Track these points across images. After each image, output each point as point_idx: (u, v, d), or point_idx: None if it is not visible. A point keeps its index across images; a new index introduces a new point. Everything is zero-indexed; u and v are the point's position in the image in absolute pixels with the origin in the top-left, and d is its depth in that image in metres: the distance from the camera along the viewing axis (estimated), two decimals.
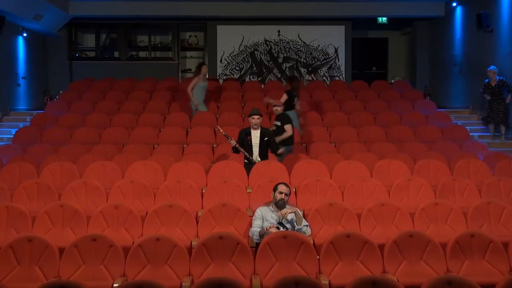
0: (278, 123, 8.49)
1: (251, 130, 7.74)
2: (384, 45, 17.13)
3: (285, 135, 8.34)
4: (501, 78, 11.13)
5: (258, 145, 7.73)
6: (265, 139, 7.75)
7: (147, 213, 6.20)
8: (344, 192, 7.03)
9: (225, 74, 15.41)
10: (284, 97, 9.80)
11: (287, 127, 8.35)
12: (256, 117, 7.71)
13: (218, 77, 15.22)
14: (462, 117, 12.50)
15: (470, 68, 12.99)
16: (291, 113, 9.34)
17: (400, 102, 12.20)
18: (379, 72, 17.04)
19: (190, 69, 16.30)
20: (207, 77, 11.08)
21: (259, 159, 7.76)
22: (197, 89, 10.87)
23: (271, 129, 8.38)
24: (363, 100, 12.26)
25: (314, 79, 15.41)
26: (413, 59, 16.11)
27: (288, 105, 9.61)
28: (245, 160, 7.82)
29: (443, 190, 7.17)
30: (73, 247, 5.06)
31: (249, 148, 7.71)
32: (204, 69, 11.02)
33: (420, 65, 15.74)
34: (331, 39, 15.51)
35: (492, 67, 11.26)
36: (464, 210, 6.37)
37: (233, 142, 7.63)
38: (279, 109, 8.57)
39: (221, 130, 7.98)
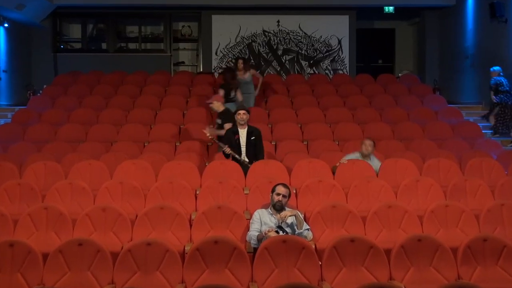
0: (219, 121, 8.59)
1: (239, 129, 7.71)
2: (390, 36, 17.15)
3: (221, 133, 8.26)
4: (498, 79, 11.13)
5: (245, 144, 7.71)
6: (252, 138, 7.71)
7: (137, 216, 6.19)
8: (348, 194, 7.04)
9: (221, 67, 15.40)
10: (221, 92, 10.01)
11: (226, 125, 8.30)
12: (242, 112, 7.66)
13: (213, 71, 15.22)
14: (474, 113, 12.52)
15: (482, 61, 13.00)
16: (231, 106, 9.44)
17: (408, 97, 12.21)
18: (385, 65, 17.06)
19: (183, 62, 16.31)
20: (250, 73, 11.09)
21: (246, 159, 7.75)
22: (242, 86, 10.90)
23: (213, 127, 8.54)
24: (368, 95, 12.27)
25: (316, 72, 15.43)
26: (421, 51, 16.12)
27: (226, 98, 9.86)
28: (233, 160, 7.82)
29: (454, 191, 7.18)
30: (57, 253, 5.05)
31: (237, 148, 7.70)
32: (240, 63, 11.02)
33: (429, 57, 15.75)
34: (334, 30, 15.51)
35: (495, 68, 11.28)
36: (476, 212, 6.38)
37: (227, 150, 7.61)
38: (214, 106, 8.69)
39: (208, 135, 7.85)
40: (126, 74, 13.73)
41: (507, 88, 11.19)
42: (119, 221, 6.04)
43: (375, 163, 8.09)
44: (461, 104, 13.21)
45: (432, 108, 11.53)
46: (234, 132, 7.72)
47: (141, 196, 6.98)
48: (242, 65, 11.02)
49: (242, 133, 7.71)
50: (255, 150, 7.76)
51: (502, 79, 11.22)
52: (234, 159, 7.76)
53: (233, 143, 7.69)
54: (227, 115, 8.47)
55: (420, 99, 12.17)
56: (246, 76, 11.01)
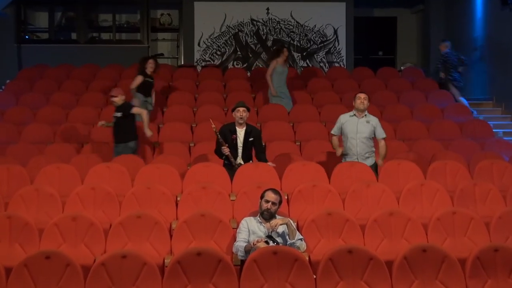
0: (118, 114, 8.80)
1: (237, 128, 7.73)
2: (392, 25, 17.21)
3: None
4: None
5: (242, 145, 7.74)
6: (250, 139, 7.74)
7: (111, 226, 6.18)
8: (345, 200, 7.06)
9: (204, 60, 15.39)
10: (138, 79, 10.14)
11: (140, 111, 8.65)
12: (241, 109, 7.70)
13: (195, 64, 15.21)
14: (485, 111, 12.59)
15: (493, 52, 13.08)
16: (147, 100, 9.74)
17: (411, 93, 12.27)
18: (386, 57, 17.11)
19: (162, 54, 16.27)
20: (287, 63, 11.16)
21: (241, 162, 7.78)
22: (274, 77, 10.95)
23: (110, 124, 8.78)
24: (367, 91, 12.16)
25: (310, 65, 15.44)
26: (426, 42, 16.18)
27: (144, 90, 10.15)
28: (225, 161, 7.84)
29: (462, 196, 7.22)
30: (22, 267, 5.02)
31: (233, 150, 7.71)
32: (286, 52, 11.07)
33: (434, 49, 15.76)
34: (330, 19, 15.55)
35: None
36: (487, 220, 6.42)
37: (226, 150, 7.60)
38: (116, 100, 8.85)
39: (216, 130, 7.67)
40: (99, 67, 13.70)
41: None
42: (91, 231, 6.02)
43: (373, 120, 8.14)
44: (470, 100, 13.25)
45: (438, 105, 11.59)
46: (231, 131, 7.72)
47: (116, 203, 6.96)
48: (287, 55, 11.08)
49: (240, 132, 7.72)
50: (255, 152, 7.83)
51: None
52: (227, 161, 7.77)
53: (229, 143, 7.69)
54: (128, 108, 8.78)
55: (424, 95, 12.23)
56: (286, 68, 11.10)
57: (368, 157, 8.09)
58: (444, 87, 12.49)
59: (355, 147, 8.06)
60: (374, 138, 8.19)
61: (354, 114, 8.19)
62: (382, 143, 8.14)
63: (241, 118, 7.69)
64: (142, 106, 9.80)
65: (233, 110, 7.79)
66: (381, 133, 8.14)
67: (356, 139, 8.05)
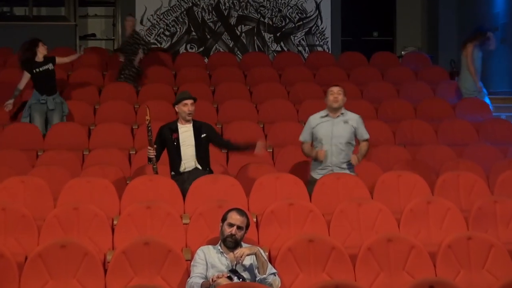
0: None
1: (179, 125, 7.79)
2: None
3: None
4: None
5: (193, 145, 7.77)
6: (203, 135, 7.79)
7: (26, 258, 6.11)
8: (330, 222, 7.06)
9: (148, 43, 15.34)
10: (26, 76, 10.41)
11: None
12: (189, 102, 7.75)
13: None
14: (507, 108, 12.71)
15: None
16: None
17: (415, 85, 12.36)
18: (382, 39, 17.19)
19: (94, 35, 16.17)
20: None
21: (198, 166, 7.80)
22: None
23: None
24: (358, 82, 12.37)
25: (285, 49, 15.48)
26: (433, 20, 16.30)
27: (40, 85, 10.34)
28: (172, 172, 7.88)
29: (480, 217, 7.25)
30: None
31: (176, 153, 7.74)
32: (491, 38, 11.50)
33: (443, 29, 15.93)
34: None
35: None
36: (510, 247, 6.47)
37: (152, 152, 7.68)
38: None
39: (149, 123, 7.78)
40: (11, 51, 13.56)
41: None
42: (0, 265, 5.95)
43: (352, 119, 8.09)
44: (488, 94, 13.37)
45: (449, 100, 11.69)
46: (171, 129, 7.76)
47: (33, 228, 6.88)
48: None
49: (187, 130, 7.79)
50: (221, 145, 8.02)
51: None
52: (174, 171, 7.86)
53: (169, 145, 7.74)
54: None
55: (431, 88, 12.32)
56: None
57: (346, 168, 8.07)
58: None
59: (329, 156, 8.01)
60: (356, 143, 8.17)
61: (327, 114, 8.13)
62: (363, 143, 8.14)
63: (190, 113, 7.73)
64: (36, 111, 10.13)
65: (176, 104, 7.83)
66: (363, 134, 8.11)
67: (331, 146, 8.00)
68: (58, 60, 10.63)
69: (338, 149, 7.99)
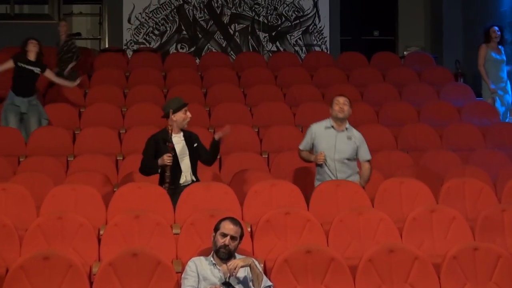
0: None
1: (172, 134, 7.77)
2: None
3: None
4: None
5: (187, 155, 7.78)
6: (195, 145, 7.81)
7: (7, 271, 6.10)
8: (329, 232, 7.05)
9: (137, 42, 15.35)
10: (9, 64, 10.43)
11: None
12: (187, 108, 7.83)
13: (124, 47, 15.17)
14: None
15: None
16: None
17: (418, 87, 12.37)
18: (384, 38, 17.21)
19: (79, 34, 16.15)
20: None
21: (193, 178, 7.82)
22: (488, 65, 11.21)
23: None
24: (358, 84, 12.37)
25: (281, 49, 15.49)
26: (437, 18, 16.32)
27: (19, 84, 10.35)
28: (165, 184, 7.80)
29: (487, 226, 7.25)
30: None
31: (175, 164, 7.71)
32: (494, 33, 11.46)
33: (448, 27, 15.95)
34: None
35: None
36: None
37: (167, 160, 7.60)
38: None
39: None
40: None
41: None
42: None
43: (356, 136, 8.07)
44: None
45: (454, 103, 11.69)
46: (165, 140, 7.73)
47: (15, 239, 6.85)
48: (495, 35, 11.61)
49: (179, 140, 7.78)
50: (203, 159, 7.91)
51: None
52: (162, 180, 7.79)
53: (162, 155, 7.70)
54: None
55: (435, 90, 12.34)
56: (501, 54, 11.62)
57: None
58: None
59: (333, 170, 7.99)
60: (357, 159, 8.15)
61: (332, 126, 8.11)
62: (366, 166, 8.12)
63: (188, 121, 7.82)
64: (11, 112, 10.28)
65: (176, 111, 7.78)
66: (365, 155, 8.09)
67: (334, 161, 7.98)
68: (48, 73, 10.65)
69: (341, 164, 7.98)
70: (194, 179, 7.82)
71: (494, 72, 11.60)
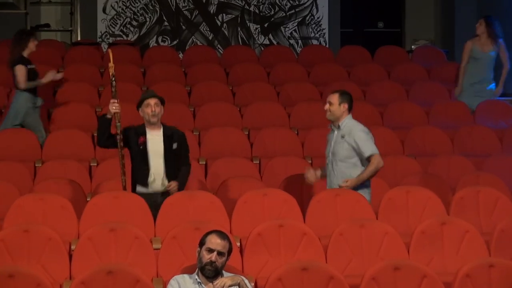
0: None
1: (147, 130, 7.80)
2: None
3: None
4: None
5: (162, 155, 7.78)
6: (174, 146, 7.81)
7: None
8: (328, 247, 7.06)
9: (113, 35, 15.34)
10: (22, 71, 10.33)
11: None
12: (152, 102, 7.76)
13: (99, 40, 15.17)
14: None
15: None
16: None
17: (427, 85, 12.40)
18: (389, 31, 17.25)
19: (48, 25, 16.14)
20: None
21: (166, 182, 7.81)
22: (470, 65, 11.40)
23: None
24: (360, 81, 12.39)
25: (274, 42, 15.50)
26: (449, 9, 16.35)
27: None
28: (136, 185, 7.87)
29: (503, 241, 7.28)
30: None
31: (142, 160, 7.76)
32: (482, 26, 11.41)
33: (460, 19, 15.98)
34: None
35: None
36: None
37: (116, 107, 7.71)
38: None
39: (111, 66, 8.00)
40: None
41: None
42: None
43: (348, 132, 7.95)
44: (510, 96, 13.42)
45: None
46: (138, 133, 7.78)
47: None
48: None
49: (156, 138, 7.80)
50: (177, 163, 7.86)
51: None
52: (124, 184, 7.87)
53: (134, 151, 7.77)
54: None
55: (446, 88, 12.37)
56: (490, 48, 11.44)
57: None
58: None
59: (330, 174, 8.03)
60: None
61: (331, 126, 8.15)
62: (370, 163, 7.89)
63: (154, 114, 7.72)
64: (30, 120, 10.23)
65: (139, 105, 7.84)
66: (365, 150, 7.87)
67: (331, 164, 8.00)
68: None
69: (337, 167, 7.96)
70: (170, 186, 7.80)
71: (473, 72, 11.59)
